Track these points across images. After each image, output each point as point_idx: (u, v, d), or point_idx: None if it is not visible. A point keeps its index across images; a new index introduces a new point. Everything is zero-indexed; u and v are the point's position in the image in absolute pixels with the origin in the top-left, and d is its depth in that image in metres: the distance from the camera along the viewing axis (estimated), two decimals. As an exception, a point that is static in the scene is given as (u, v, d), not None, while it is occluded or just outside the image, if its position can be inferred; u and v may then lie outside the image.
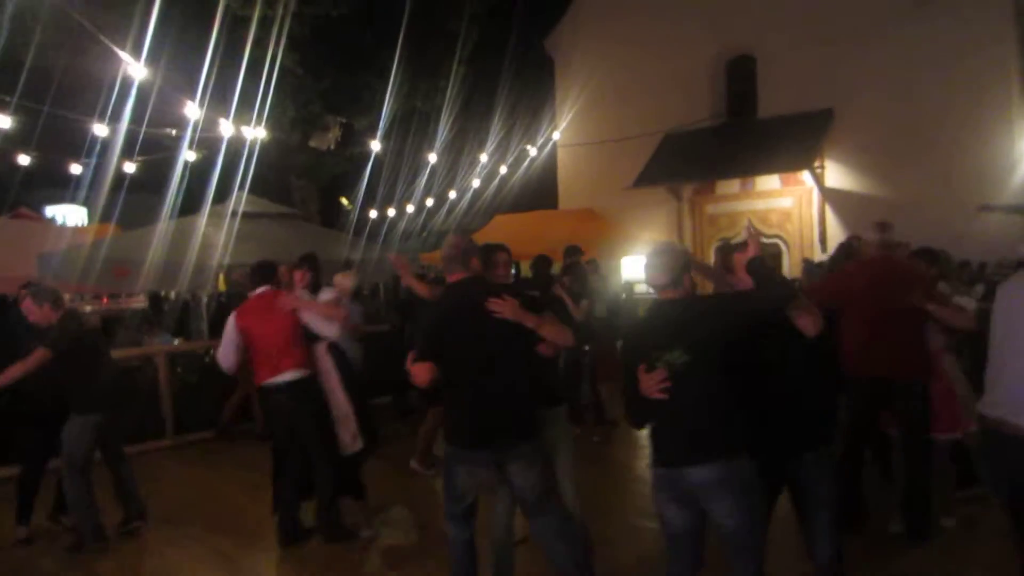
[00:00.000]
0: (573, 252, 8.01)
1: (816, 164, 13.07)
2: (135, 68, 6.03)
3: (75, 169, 13.60)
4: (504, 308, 3.37)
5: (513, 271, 5.58)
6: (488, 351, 3.47)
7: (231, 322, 4.87)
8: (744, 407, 3.07)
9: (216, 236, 7.81)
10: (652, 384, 2.98)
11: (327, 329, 4.85)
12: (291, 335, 4.80)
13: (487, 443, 3.51)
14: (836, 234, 12.63)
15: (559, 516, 3.63)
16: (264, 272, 5.01)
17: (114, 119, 10.50)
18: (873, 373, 4.49)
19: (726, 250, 3.60)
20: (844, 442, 4.66)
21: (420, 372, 3.51)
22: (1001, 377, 2.98)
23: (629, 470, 6.66)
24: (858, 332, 4.56)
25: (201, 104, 8.66)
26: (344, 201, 20.04)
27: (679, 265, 3.12)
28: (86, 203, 21.85)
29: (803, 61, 13.22)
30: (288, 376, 4.72)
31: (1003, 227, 11.19)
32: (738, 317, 3.05)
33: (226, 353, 4.88)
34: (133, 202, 14.85)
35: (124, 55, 5.79)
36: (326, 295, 5.25)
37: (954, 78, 11.93)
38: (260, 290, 4.94)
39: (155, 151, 13.08)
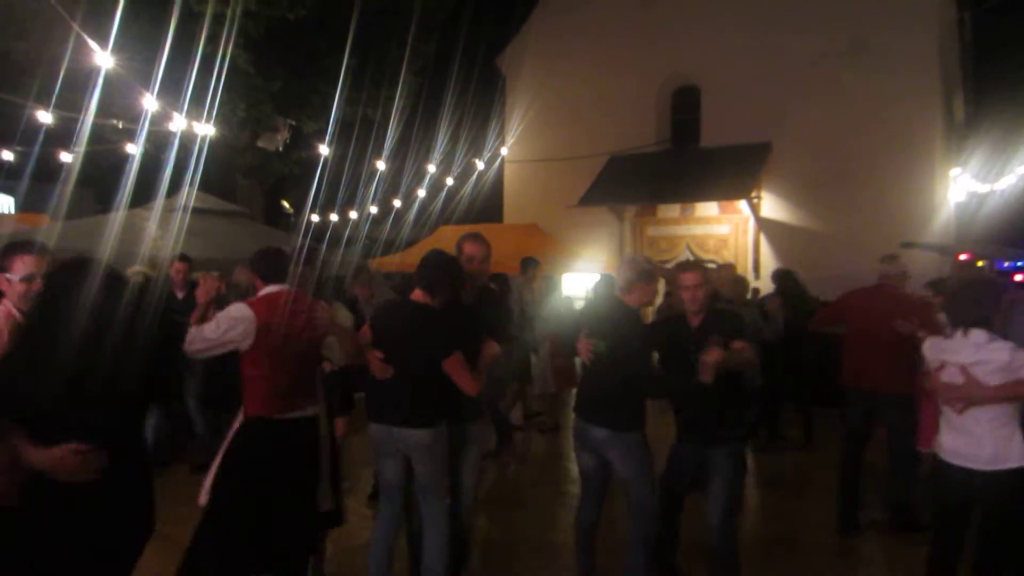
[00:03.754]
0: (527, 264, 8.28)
1: (753, 194, 13.62)
2: (102, 57, 5.91)
3: (6, 156, 13.11)
4: None
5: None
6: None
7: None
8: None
9: (165, 230, 7.72)
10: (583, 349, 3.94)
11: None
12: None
13: None
14: (769, 261, 13.18)
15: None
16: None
17: (58, 107, 10.20)
18: (865, 387, 5.20)
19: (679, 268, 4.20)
20: (843, 448, 5.40)
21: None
22: None
23: (568, 473, 6.89)
24: (854, 350, 5.33)
25: (153, 95, 8.52)
26: (285, 204, 19.82)
27: (630, 275, 3.97)
28: (13, 192, 20.94)
29: (744, 95, 13.80)
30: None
31: (922, 264, 11.87)
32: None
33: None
34: (64, 194, 14.35)
35: (92, 43, 5.70)
36: None
37: (884, 122, 12.64)
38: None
39: (94, 143, 12.72)
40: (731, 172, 13.48)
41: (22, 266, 3.02)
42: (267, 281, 3.69)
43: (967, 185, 15.17)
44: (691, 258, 14.35)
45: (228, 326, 3.47)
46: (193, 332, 3.47)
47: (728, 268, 7.91)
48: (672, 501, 4.20)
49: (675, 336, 4.02)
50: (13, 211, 18.30)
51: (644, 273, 3.96)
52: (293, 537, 3.55)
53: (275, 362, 3.52)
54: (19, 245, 3.09)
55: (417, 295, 3.78)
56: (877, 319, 5.04)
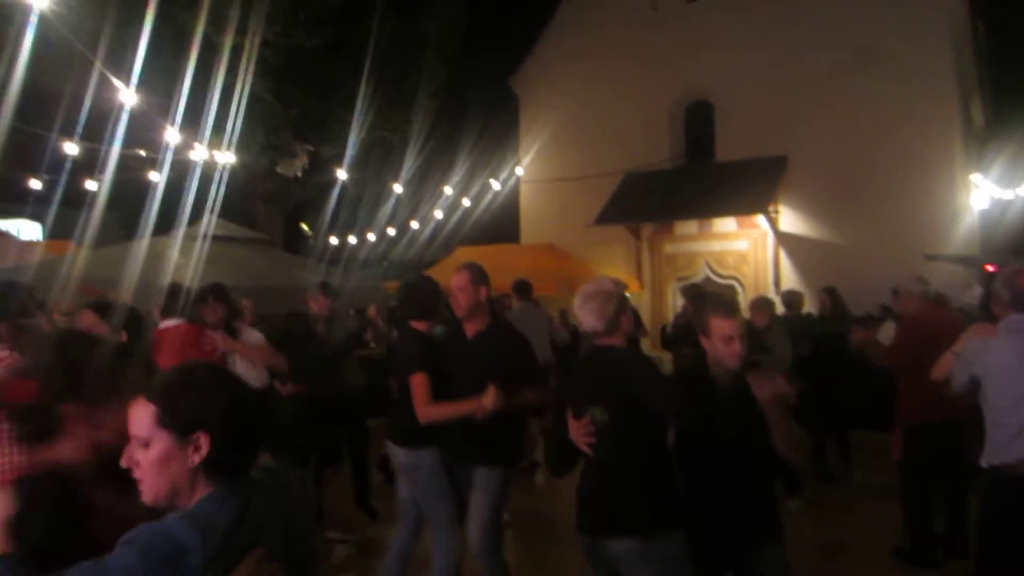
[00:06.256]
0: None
1: (771, 208, 13.55)
2: (126, 94, 6.06)
3: (34, 184, 13.46)
4: None
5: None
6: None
7: None
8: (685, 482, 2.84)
9: (187, 258, 7.83)
10: (578, 433, 2.78)
11: (255, 376, 4.47)
12: None
13: None
14: (789, 276, 13.10)
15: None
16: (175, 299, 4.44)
17: (83, 137, 10.45)
18: (945, 416, 4.79)
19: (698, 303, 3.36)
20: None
21: None
22: None
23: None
24: (924, 381, 4.48)
25: (175, 127, 8.70)
26: (305, 227, 20.05)
27: (613, 308, 2.85)
28: (40, 219, 21.31)
29: (758, 109, 13.77)
30: None
31: (947, 275, 11.73)
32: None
33: None
34: (90, 221, 14.58)
35: (117, 81, 5.84)
36: (253, 336, 4.74)
37: (901, 131, 12.54)
38: (170, 322, 4.38)
39: (118, 171, 12.96)
40: (748, 187, 13.43)
41: None
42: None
43: (990, 191, 14.98)
44: (710, 275, 14.27)
45: None
46: None
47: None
48: None
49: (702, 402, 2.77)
50: (41, 239, 18.62)
51: (621, 298, 2.89)
52: None
53: None
54: None
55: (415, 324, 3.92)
56: (939, 344, 4.54)
